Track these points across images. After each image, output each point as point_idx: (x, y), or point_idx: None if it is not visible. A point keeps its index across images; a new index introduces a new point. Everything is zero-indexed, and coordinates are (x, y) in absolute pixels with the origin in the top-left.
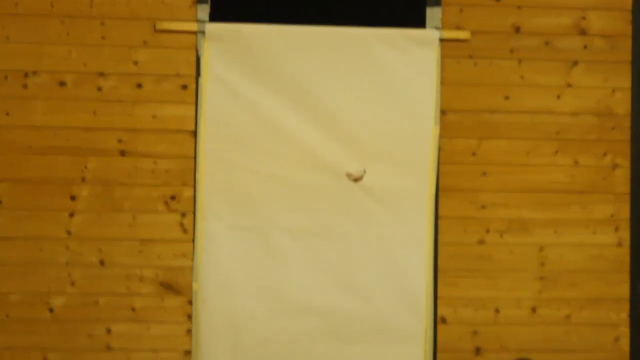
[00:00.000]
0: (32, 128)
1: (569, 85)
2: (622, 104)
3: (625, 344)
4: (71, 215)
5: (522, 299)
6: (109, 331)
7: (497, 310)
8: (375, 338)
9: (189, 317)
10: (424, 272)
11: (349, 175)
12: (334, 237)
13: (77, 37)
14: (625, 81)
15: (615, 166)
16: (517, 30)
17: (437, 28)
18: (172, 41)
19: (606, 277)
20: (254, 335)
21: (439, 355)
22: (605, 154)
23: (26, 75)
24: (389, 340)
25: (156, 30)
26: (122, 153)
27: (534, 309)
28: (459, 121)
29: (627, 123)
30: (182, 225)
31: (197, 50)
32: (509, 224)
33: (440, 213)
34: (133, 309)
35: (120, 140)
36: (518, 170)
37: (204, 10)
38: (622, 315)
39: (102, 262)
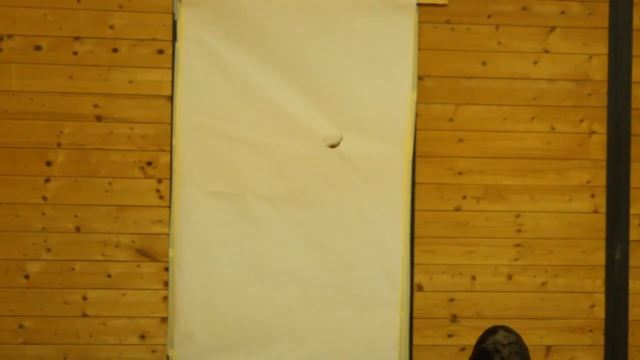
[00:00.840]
0: (7, 93)
1: (546, 51)
2: (599, 70)
3: (600, 311)
4: (47, 180)
5: (498, 266)
6: (84, 298)
7: (473, 278)
8: (352, 305)
9: (165, 284)
10: (400, 238)
11: (325, 142)
12: (311, 204)
13: (53, 1)
14: (602, 47)
15: (591, 132)
16: None
17: None
18: (148, 5)
19: (582, 244)
20: (231, 302)
21: (415, 322)
22: (581, 121)
23: (1, 39)
24: (365, 307)
25: None
26: (98, 118)
27: (510, 276)
28: (436, 87)
29: (603, 89)
30: (158, 191)
31: (173, 15)
32: (485, 191)
33: (417, 179)
34: (109, 276)
35: (96, 105)
36: (495, 137)
37: None
38: (598, 282)
39: (78, 229)
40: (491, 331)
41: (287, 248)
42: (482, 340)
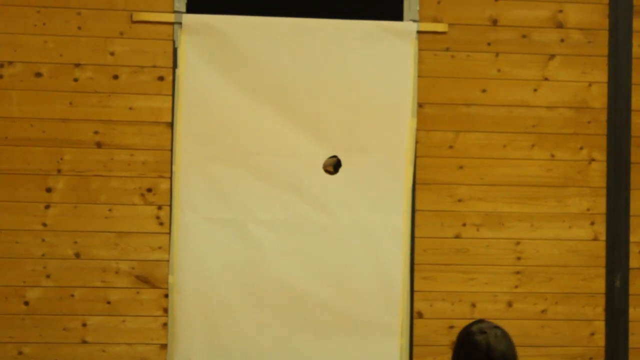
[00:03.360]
0: (8, 119)
1: (546, 79)
2: (599, 97)
3: (600, 338)
4: (47, 207)
5: (498, 293)
6: (84, 325)
7: (473, 305)
8: (352, 332)
9: (165, 310)
10: (401, 265)
11: (324, 168)
12: (310, 230)
13: (53, 28)
14: (601, 75)
15: (591, 160)
16: (495, 23)
17: (414, 20)
18: (149, 32)
19: (582, 272)
20: (231, 328)
21: (415, 349)
22: (581, 148)
23: (2, 65)
24: (366, 334)
25: (133, 21)
26: (98, 145)
27: (510, 304)
28: (436, 114)
29: (603, 117)
30: (158, 217)
31: (174, 42)
32: (485, 218)
33: (417, 206)
34: (109, 302)
35: (96, 132)
36: (494, 164)
37: (180, 2)
38: (598, 310)
39: (77, 255)
40: (476, 321)
41: (287, 274)
42: (466, 327)
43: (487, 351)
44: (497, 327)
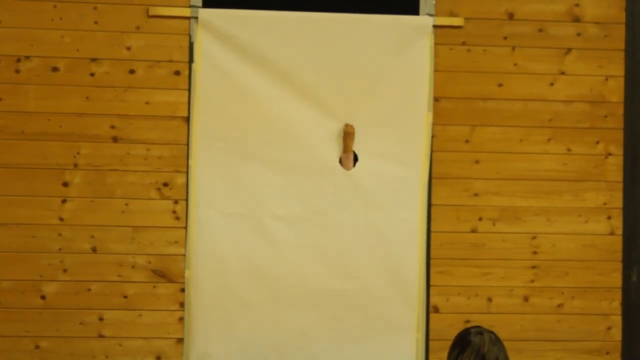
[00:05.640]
0: (25, 114)
1: (562, 73)
2: (616, 91)
3: (617, 333)
4: (63, 201)
5: (515, 287)
6: (101, 319)
7: (489, 299)
8: (367, 326)
9: (181, 304)
10: (417, 260)
11: (341, 163)
12: (327, 224)
13: (70, 22)
14: (618, 69)
15: (608, 154)
16: (511, 17)
17: (430, 15)
18: (165, 27)
19: (598, 266)
20: (247, 323)
21: (431, 344)
22: (598, 142)
23: (19, 60)
24: (381, 328)
25: (149, 16)
26: (115, 139)
27: (526, 298)
28: (452, 108)
29: (620, 111)
30: (174, 212)
31: (190, 36)
32: (501, 212)
33: (433, 201)
34: (125, 297)
35: (112, 126)
36: (511, 158)
37: None
38: (614, 304)
39: (94, 249)
40: (474, 326)
41: (303, 268)
42: (465, 329)
43: (479, 350)
44: (492, 331)
